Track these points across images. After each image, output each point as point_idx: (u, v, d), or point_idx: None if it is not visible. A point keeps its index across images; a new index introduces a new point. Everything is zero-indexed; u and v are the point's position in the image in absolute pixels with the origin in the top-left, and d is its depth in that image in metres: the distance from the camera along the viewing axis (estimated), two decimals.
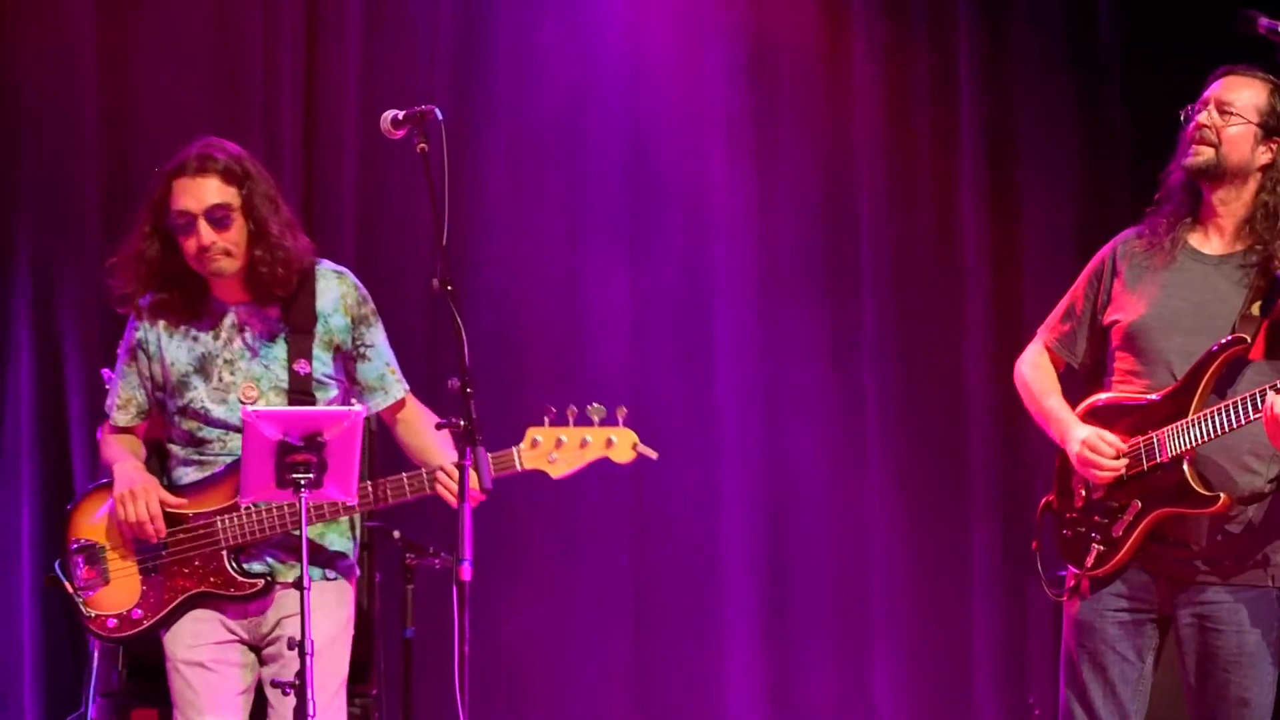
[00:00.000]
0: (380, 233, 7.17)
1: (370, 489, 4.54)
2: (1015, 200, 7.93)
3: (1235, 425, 4.47)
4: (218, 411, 4.60)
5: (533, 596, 7.26)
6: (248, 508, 4.52)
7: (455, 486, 4.36)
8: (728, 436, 7.59)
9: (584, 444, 4.55)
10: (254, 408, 4.38)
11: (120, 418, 4.77)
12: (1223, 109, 4.62)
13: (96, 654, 5.86)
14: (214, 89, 7.07)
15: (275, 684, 4.48)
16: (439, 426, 4.47)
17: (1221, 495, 4.52)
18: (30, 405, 6.87)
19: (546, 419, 4.54)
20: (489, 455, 4.35)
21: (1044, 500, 4.88)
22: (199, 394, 4.62)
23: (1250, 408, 4.43)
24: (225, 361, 4.63)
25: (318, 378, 4.63)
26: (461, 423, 4.23)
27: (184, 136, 6.89)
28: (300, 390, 4.60)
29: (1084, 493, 4.74)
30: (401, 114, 4.44)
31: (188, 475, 4.64)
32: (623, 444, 4.57)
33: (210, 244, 4.57)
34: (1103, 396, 4.78)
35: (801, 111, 7.81)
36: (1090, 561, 4.68)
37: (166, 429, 4.73)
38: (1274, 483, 4.61)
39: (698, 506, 7.51)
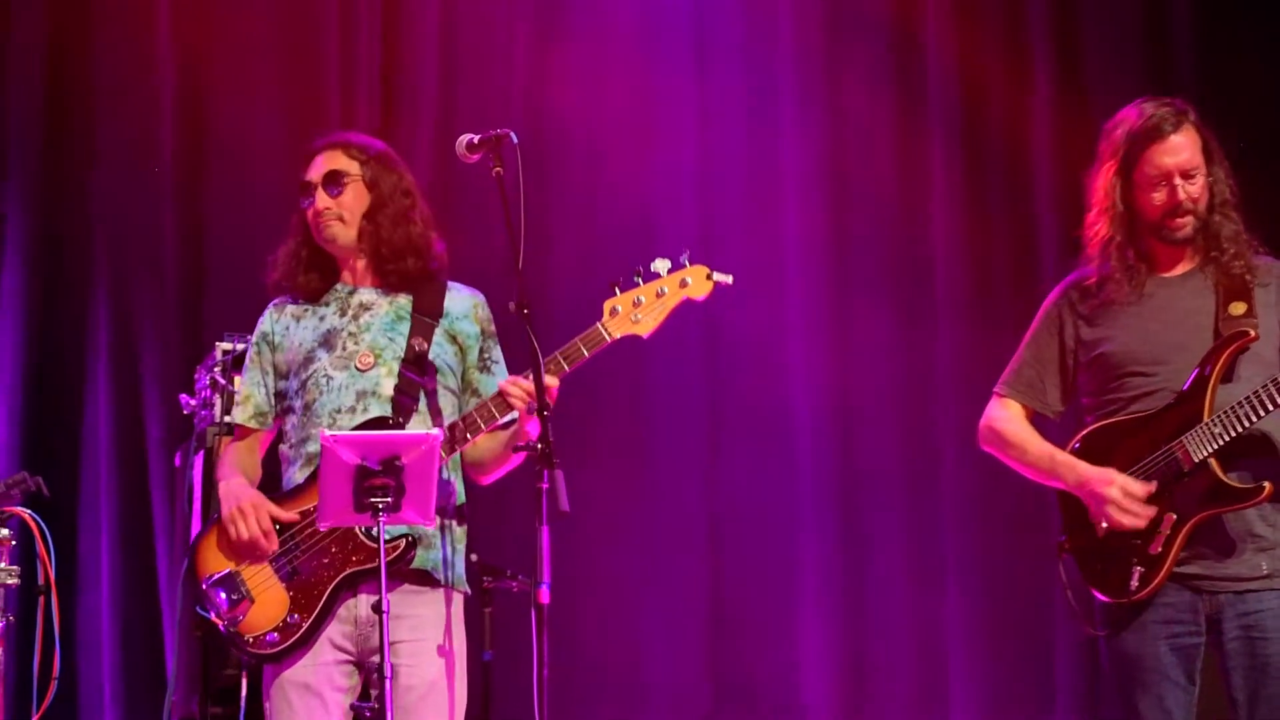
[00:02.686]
0: (453, 243, 7.16)
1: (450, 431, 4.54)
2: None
3: (1263, 414, 4.52)
4: (339, 378, 4.61)
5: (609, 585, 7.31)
6: None
7: (519, 391, 4.41)
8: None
9: (660, 294, 4.55)
10: (332, 433, 4.33)
11: (238, 413, 4.77)
12: (1187, 175, 4.72)
13: (175, 681, 5.89)
14: (290, 118, 7.12)
15: (354, 706, 4.47)
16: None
17: (1266, 485, 4.54)
18: (109, 433, 6.93)
19: (617, 288, 4.54)
20: (578, 340, 4.47)
21: (1058, 542, 4.82)
22: (322, 364, 4.63)
23: (1270, 398, 4.50)
24: (350, 334, 4.66)
25: (434, 361, 4.65)
26: (539, 446, 4.23)
27: (258, 169, 7.07)
28: (415, 364, 4.62)
29: (1105, 521, 4.72)
30: (477, 138, 4.44)
31: (296, 473, 4.62)
32: (697, 280, 4.56)
33: (324, 208, 4.68)
34: (1095, 426, 4.79)
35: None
36: (1135, 584, 4.62)
37: (283, 425, 4.71)
38: None
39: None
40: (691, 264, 4.56)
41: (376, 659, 4.46)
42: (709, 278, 4.56)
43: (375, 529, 4.30)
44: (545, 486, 4.18)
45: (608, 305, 4.54)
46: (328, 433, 4.30)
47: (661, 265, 4.53)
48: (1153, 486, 4.62)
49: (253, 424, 4.75)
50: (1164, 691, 4.62)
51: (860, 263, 7.66)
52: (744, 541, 7.48)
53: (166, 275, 7.04)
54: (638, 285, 4.54)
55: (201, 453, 5.91)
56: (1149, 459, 4.63)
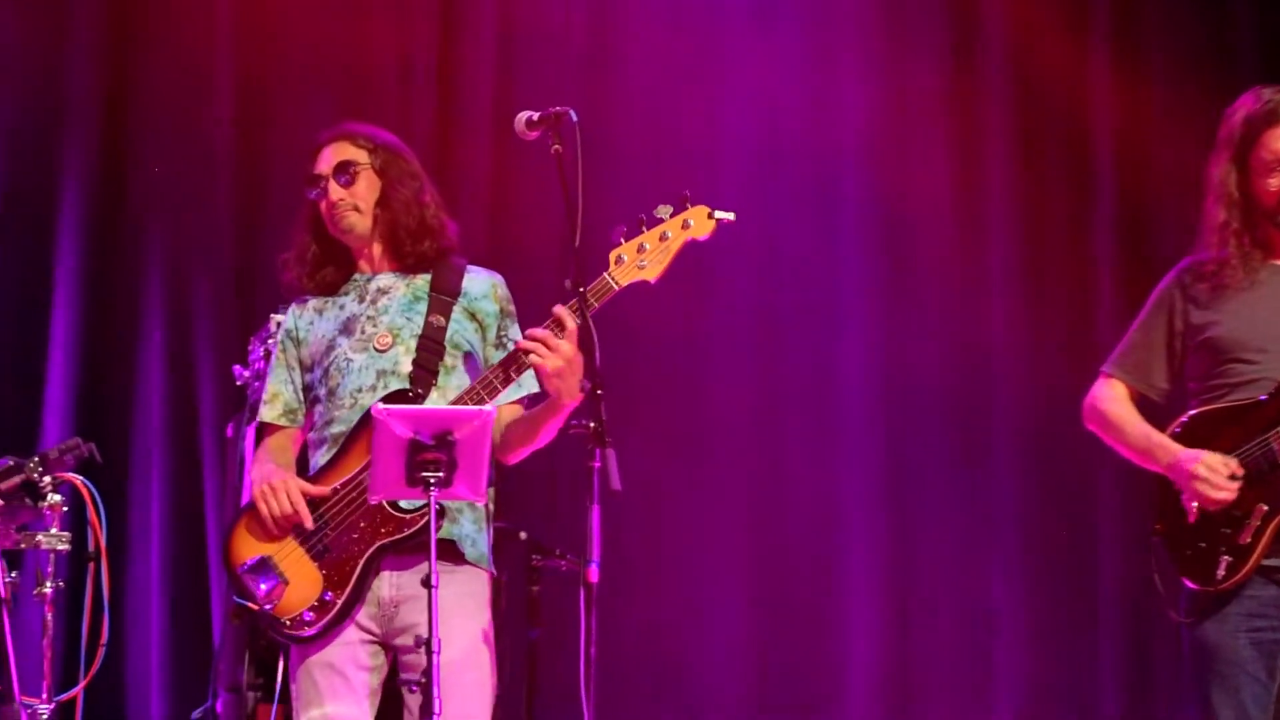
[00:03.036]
0: (512, 231, 7.17)
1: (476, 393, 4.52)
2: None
3: None
4: (359, 360, 4.61)
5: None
6: None
7: (534, 344, 4.35)
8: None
9: (664, 238, 4.52)
10: (386, 406, 4.31)
11: (266, 412, 4.77)
12: None
13: (222, 649, 5.92)
14: (347, 96, 7.13)
15: (404, 681, 4.48)
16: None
17: None
18: (161, 403, 6.96)
19: (622, 237, 4.53)
20: (589, 290, 4.41)
21: (1153, 528, 4.80)
22: (343, 349, 4.65)
23: None
24: (368, 318, 4.67)
25: (453, 338, 4.65)
26: (591, 424, 4.21)
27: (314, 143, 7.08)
28: (432, 339, 4.62)
29: (1198, 506, 4.68)
30: (536, 115, 4.44)
31: (321, 456, 4.62)
32: (699, 221, 4.53)
33: (338, 200, 4.68)
34: (1196, 411, 4.77)
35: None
36: (1221, 573, 4.60)
37: (309, 418, 4.73)
38: None
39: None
40: (693, 205, 4.54)
41: (400, 640, 4.51)
42: (711, 216, 4.53)
43: (405, 502, 4.35)
44: (597, 465, 4.16)
45: (613, 254, 4.52)
46: (380, 406, 4.27)
47: (664, 210, 4.52)
48: (1241, 467, 4.59)
49: (283, 421, 4.76)
50: (1240, 684, 4.59)
51: (916, 234, 7.65)
52: (792, 524, 7.49)
53: (221, 246, 7.06)
54: (642, 232, 4.52)
55: (254, 424, 5.91)
56: (1245, 448, 4.62)
